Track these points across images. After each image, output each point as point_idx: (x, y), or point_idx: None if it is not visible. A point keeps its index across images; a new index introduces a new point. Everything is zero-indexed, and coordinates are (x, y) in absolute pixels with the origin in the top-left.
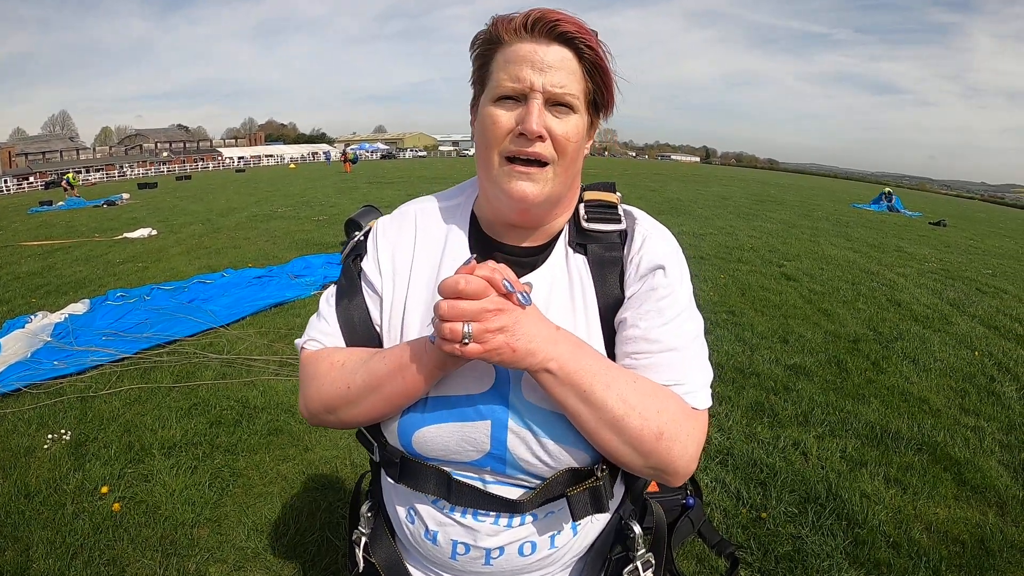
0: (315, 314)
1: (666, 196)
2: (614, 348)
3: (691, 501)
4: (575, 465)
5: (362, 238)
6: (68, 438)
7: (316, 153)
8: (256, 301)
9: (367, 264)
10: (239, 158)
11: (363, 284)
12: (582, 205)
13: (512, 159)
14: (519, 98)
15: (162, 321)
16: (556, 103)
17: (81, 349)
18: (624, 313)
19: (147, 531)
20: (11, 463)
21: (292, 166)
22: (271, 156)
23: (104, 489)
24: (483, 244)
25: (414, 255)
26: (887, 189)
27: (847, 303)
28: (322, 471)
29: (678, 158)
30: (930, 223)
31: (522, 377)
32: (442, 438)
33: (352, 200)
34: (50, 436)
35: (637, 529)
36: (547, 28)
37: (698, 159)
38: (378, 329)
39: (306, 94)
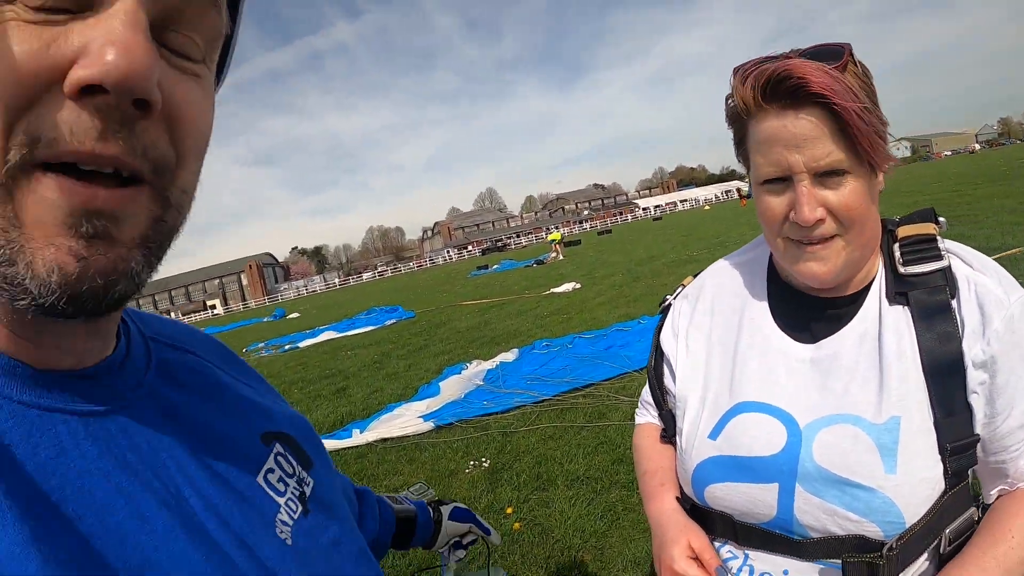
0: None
1: None
2: (951, 403)
3: None
4: (866, 535)
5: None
6: (487, 465)
7: (729, 191)
8: None
9: (666, 341)
10: (655, 207)
11: (664, 363)
12: (896, 246)
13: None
14: (786, 178)
15: (581, 367)
16: (826, 173)
17: (507, 392)
18: (982, 378)
19: (537, 550)
20: (437, 482)
21: (706, 207)
22: (685, 200)
23: (509, 510)
24: (784, 296)
25: (711, 330)
26: None
27: None
28: None
29: None
30: None
31: (814, 439)
32: (731, 498)
33: None
34: (472, 462)
35: None
36: (789, 92)
37: None
38: (670, 406)
39: (704, 135)
